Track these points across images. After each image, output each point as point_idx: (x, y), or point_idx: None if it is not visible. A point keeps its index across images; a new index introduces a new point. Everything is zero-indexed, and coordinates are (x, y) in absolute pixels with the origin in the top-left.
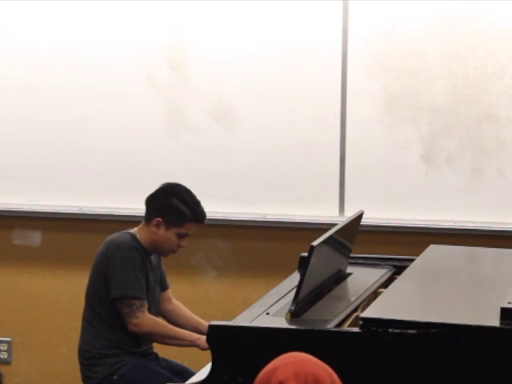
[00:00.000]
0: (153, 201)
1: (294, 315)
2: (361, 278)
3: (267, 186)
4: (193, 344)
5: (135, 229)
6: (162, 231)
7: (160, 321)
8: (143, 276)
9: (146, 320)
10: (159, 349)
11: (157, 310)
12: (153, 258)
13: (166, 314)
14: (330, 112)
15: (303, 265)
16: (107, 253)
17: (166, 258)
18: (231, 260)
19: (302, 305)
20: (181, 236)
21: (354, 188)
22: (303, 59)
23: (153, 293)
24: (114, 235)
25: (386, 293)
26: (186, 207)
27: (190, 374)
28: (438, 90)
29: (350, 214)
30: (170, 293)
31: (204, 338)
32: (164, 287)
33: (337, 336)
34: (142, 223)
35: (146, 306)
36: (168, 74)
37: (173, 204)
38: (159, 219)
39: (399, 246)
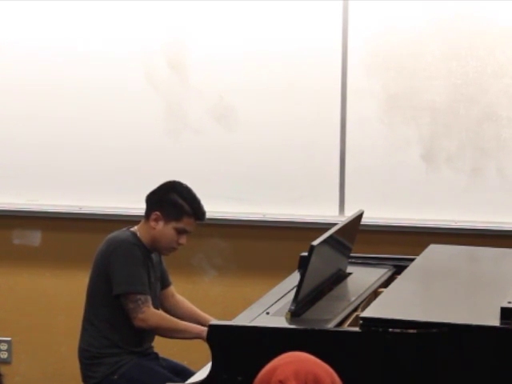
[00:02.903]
0: (152, 196)
1: (294, 315)
2: (361, 278)
3: (267, 185)
4: (199, 336)
5: (136, 227)
6: (160, 225)
7: (165, 314)
8: (145, 272)
9: (152, 314)
10: (159, 348)
11: (157, 307)
12: (153, 255)
13: (170, 310)
14: (329, 112)
15: (303, 264)
16: (108, 250)
17: (167, 256)
18: (231, 259)
19: (302, 304)
20: (179, 232)
21: (354, 188)
22: (303, 59)
23: (154, 290)
24: (114, 233)
25: (386, 292)
26: (185, 202)
27: (190, 374)
28: (438, 89)
29: (349, 213)
30: (172, 289)
31: None
32: (166, 284)
33: (337, 336)
34: (142, 221)
35: (151, 301)
36: (168, 74)
37: (171, 198)
38: (157, 213)
39: (399, 245)
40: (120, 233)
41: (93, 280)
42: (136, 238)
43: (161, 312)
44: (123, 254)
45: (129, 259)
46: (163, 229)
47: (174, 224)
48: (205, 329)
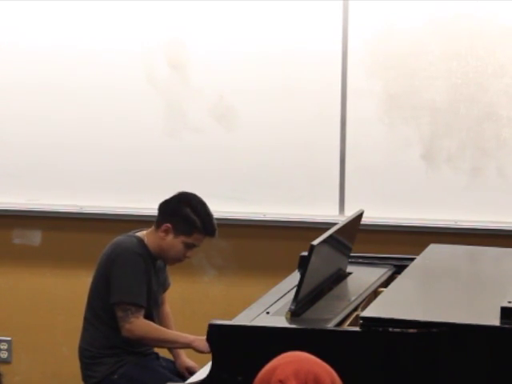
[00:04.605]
0: (165, 206)
1: (294, 314)
2: (361, 278)
3: (267, 185)
4: (188, 346)
5: (144, 232)
6: (169, 238)
7: (154, 325)
8: (145, 283)
9: (139, 325)
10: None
11: (157, 314)
12: (158, 261)
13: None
14: (329, 112)
15: (303, 264)
16: (111, 256)
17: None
18: (231, 259)
19: (302, 304)
20: (188, 246)
21: (354, 187)
22: (303, 59)
23: (155, 298)
24: (120, 238)
25: (386, 292)
26: (198, 217)
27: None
28: (438, 89)
29: (350, 213)
30: (164, 296)
31: (199, 339)
32: (165, 286)
33: (337, 335)
34: (152, 228)
35: (143, 313)
36: (168, 74)
37: (184, 212)
38: (169, 225)
39: (399, 245)
40: (126, 238)
41: (94, 282)
42: (142, 245)
43: (150, 323)
44: (124, 262)
45: (129, 269)
46: (172, 241)
47: (183, 238)
48: (195, 339)
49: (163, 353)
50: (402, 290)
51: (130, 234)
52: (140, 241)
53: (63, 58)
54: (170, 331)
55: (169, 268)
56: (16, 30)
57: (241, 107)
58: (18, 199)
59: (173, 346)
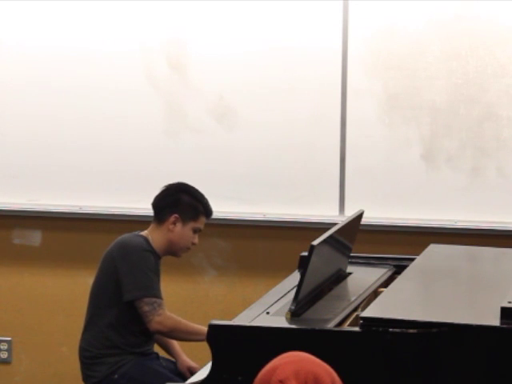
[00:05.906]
0: (164, 200)
1: (294, 314)
2: (361, 278)
3: (267, 185)
4: None
5: (145, 232)
6: (178, 227)
7: (179, 318)
8: (158, 279)
9: (168, 317)
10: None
11: None
12: (160, 261)
13: None
14: (330, 112)
15: (303, 264)
16: (120, 255)
17: (167, 256)
18: (231, 259)
19: (302, 304)
20: (195, 231)
21: (354, 187)
22: (303, 59)
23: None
24: (126, 237)
25: (386, 292)
26: (198, 202)
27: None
28: (439, 89)
29: (350, 213)
30: None
31: None
32: None
33: (337, 335)
34: (153, 226)
35: (165, 306)
36: (168, 74)
37: (186, 199)
38: (176, 215)
39: (399, 245)
40: (132, 237)
41: (100, 281)
42: (148, 244)
43: (174, 315)
44: (137, 260)
45: (143, 265)
46: (182, 230)
47: (192, 224)
48: None
49: (163, 353)
50: (402, 290)
51: (134, 233)
52: (146, 240)
53: (63, 57)
54: (194, 324)
55: (169, 268)
56: (16, 29)
57: (241, 107)
58: (18, 199)
59: (199, 338)
